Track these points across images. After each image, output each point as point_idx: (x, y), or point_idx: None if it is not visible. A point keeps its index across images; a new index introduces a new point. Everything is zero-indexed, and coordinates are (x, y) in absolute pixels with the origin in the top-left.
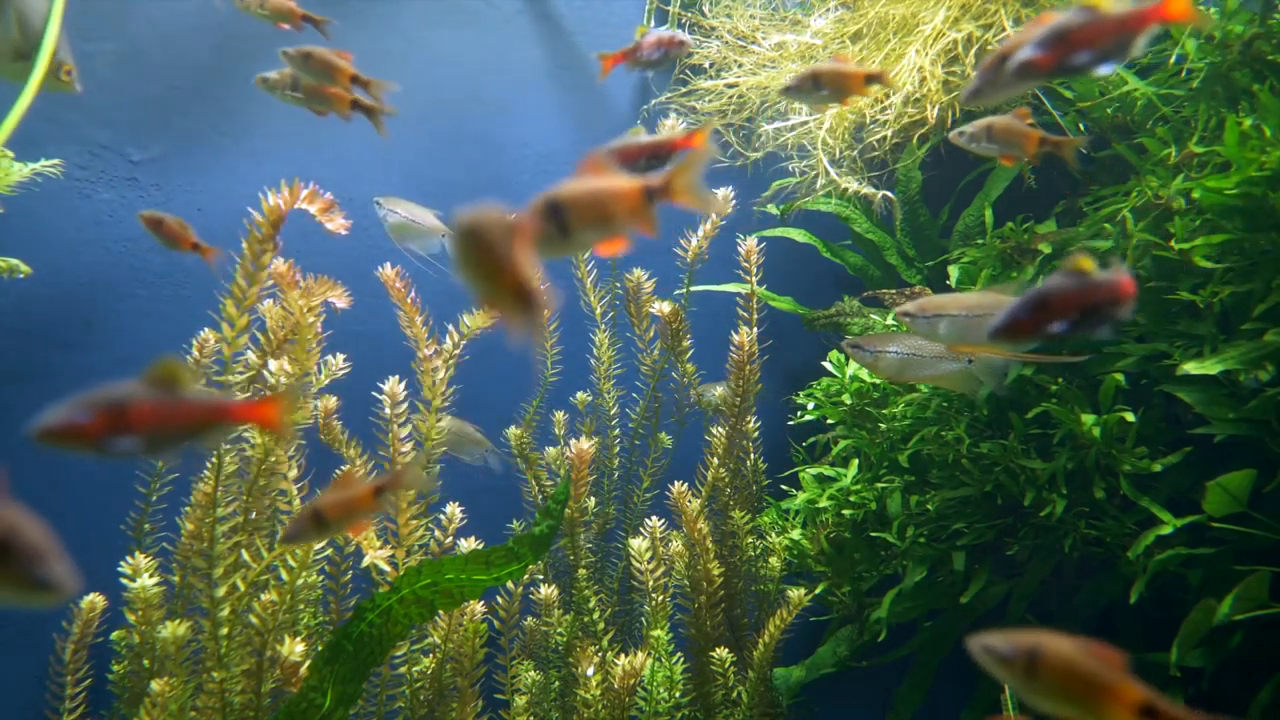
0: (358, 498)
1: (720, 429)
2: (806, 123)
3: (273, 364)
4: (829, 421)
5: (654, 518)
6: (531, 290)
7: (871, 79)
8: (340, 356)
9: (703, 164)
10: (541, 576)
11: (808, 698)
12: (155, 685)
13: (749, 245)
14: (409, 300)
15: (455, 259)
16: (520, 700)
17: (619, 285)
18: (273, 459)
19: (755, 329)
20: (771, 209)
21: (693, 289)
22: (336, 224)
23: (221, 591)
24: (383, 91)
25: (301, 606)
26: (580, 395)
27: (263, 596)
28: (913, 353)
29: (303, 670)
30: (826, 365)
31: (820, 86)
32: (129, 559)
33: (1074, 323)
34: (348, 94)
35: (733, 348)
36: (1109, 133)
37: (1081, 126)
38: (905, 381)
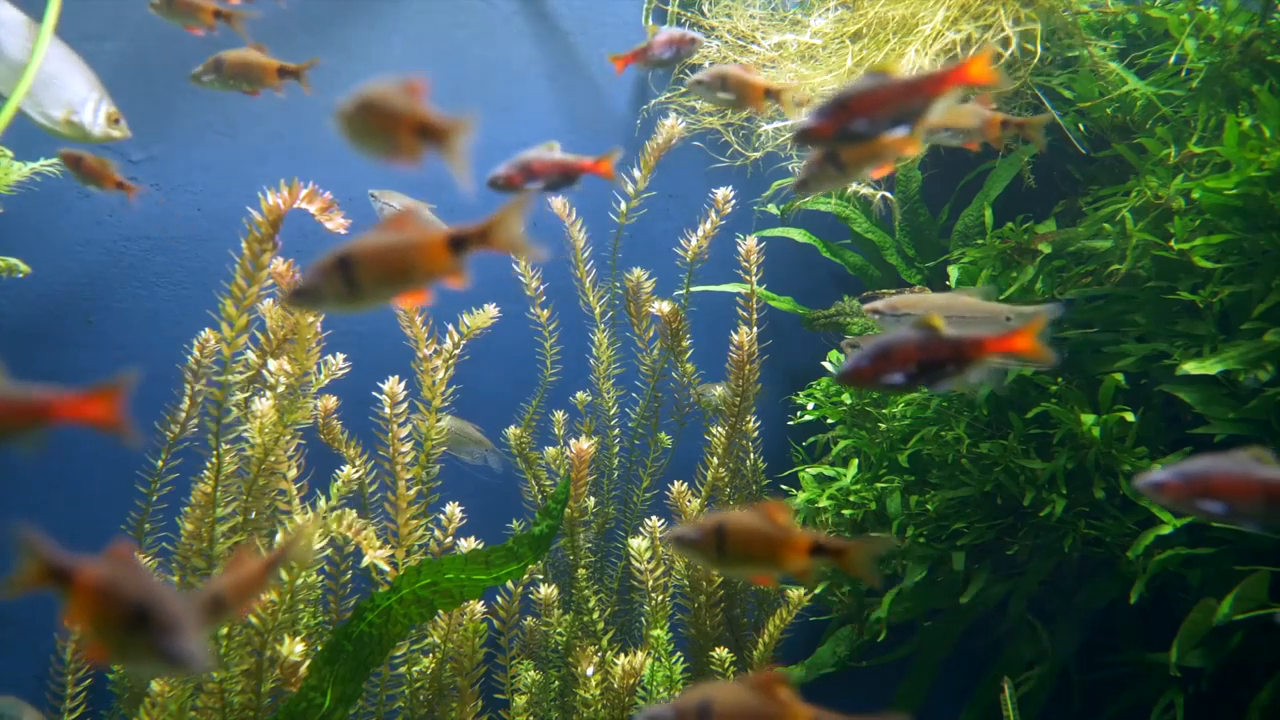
0: (251, 577)
1: (720, 429)
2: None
3: (272, 364)
4: (829, 421)
5: (654, 517)
6: (434, 119)
7: (771, 93)
8: (340, 356)
9: (523, 213)
10: (541, 576)
11: (807, 697)
12: (155, 685)
13: (749, 245)
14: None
15: (352, 136)
16: (520, 700)
17: (619, 285)
18: (272, 459)
19: (755, 329)
20: (771, 209)
21: (692, 289)
22: (336, 223)
23: None
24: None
25: (301, 606)
26: (580, 395)
27: (262, 596)
28: None
29: (302, 670)
30: (826, 365)
31: (726, 89)
32: None
33: (912, 376)
34: (271, 63)
35: (732, 347)
36: (1109, 133)
37: (1081, 126)
38: None
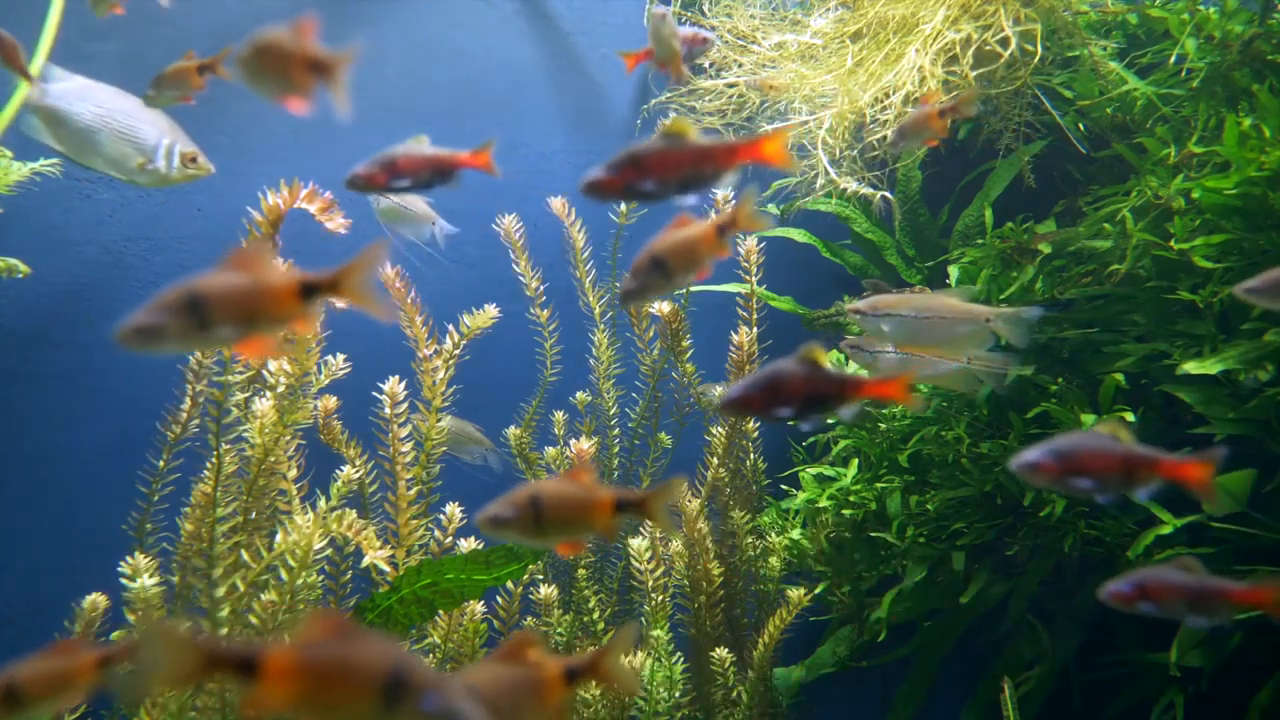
0: (72, 671)
1: (720, 429)
2: (806, 122)
3: (272, 364)
4: (829, 421)
5: None
6: (320, 54)
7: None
8: (340, 356)
9: (376, 264)
10: (541, 576)
11: (807, 697)
12: None
13: (749, 245)
14: (409, 300)
15: (251, 79)
16: None
17: (618, 285)
18: (272, 459)
19: (755, 329)
20: (771, 209)
21: (692, 289)
22: (335, 223)
23: (221, 591)
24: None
25: (301, 606)
26: (580, 395)
27: (262, 596)
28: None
29: None
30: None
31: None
32: (128, 559)
33: (800, 410)
34: (190, 65)
35: (732, 348)
36: (1109, 132)
37: (1081, 126)
38: None
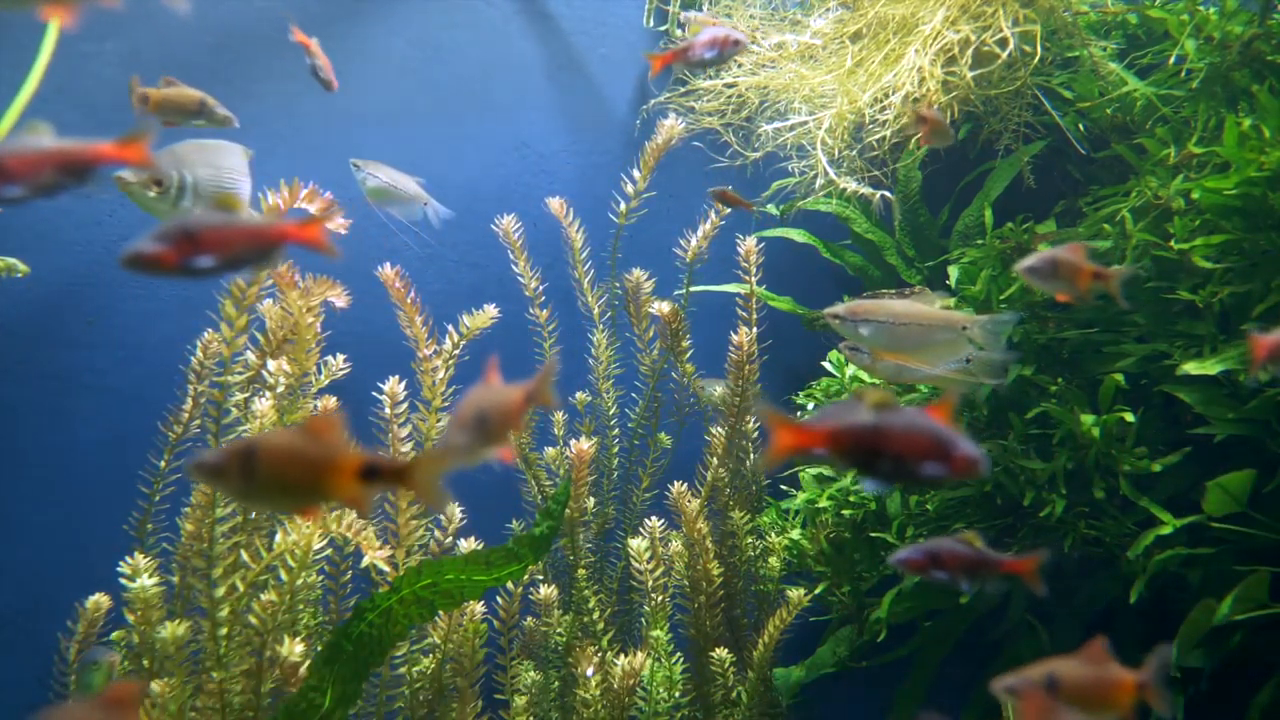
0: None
1: (719, 429)
2: (806, 123)
3: (271, 364)
4: None
5: (653, 518)
6: None
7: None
8: (340, 356)
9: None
10: (541, 576)
11: (807, 698)
12: (155, 686)
13: (748, 245)
14: (409, 300)
15: None
16: (520, 700)
17: (618, 285)
18: None
19: (755, 329)
20: (771, 209)
21: (692, 289)
22: (335, 223)
23: (221, 592)
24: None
25: (301, 607)
26: (579, 395)
27: (262, 596)
28: None
29: (302, 670)
30: (826, 365)
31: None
32: (128, 559)
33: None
34: (138, 93)
35: (732, 348)
36: (1109, 133)
37: (1081, 126)
38: (904, 382)
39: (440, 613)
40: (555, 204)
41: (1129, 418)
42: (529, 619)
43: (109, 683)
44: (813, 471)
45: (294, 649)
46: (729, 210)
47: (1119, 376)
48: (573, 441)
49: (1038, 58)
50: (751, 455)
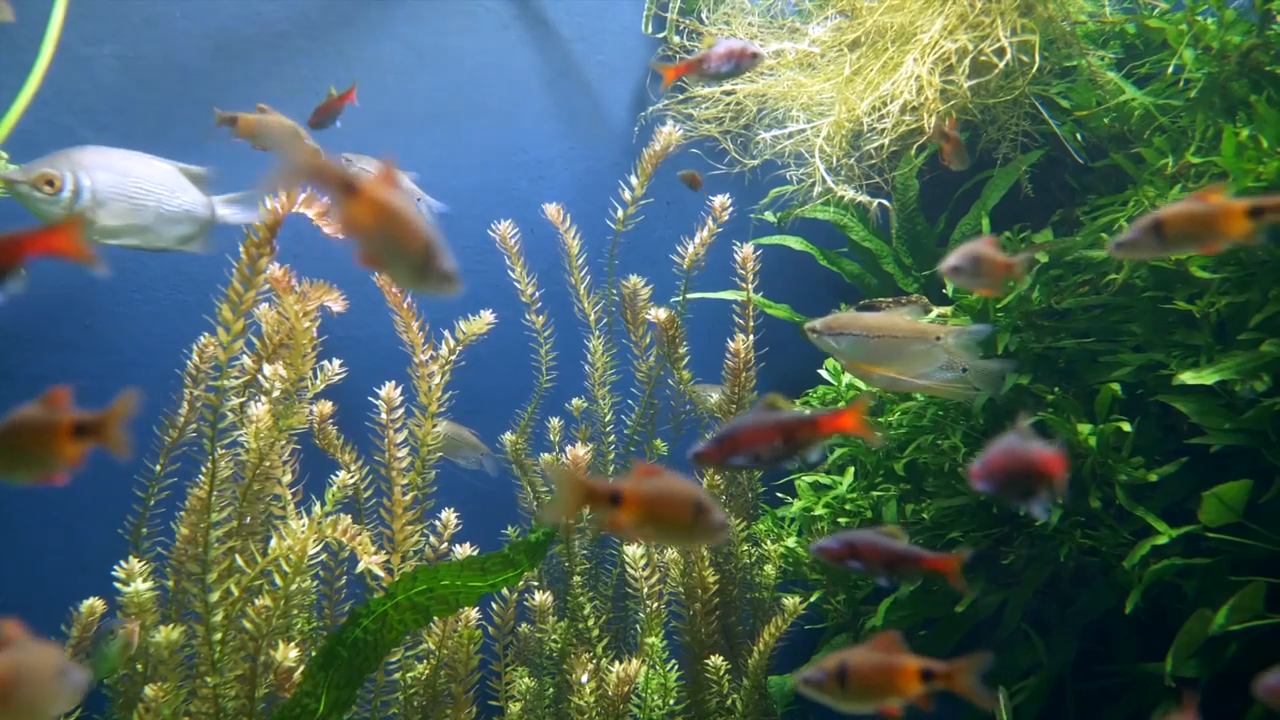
0: None
1: None
2: (804, 130)
3: (268, 369)
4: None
5: None
6: None
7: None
8: (336, 361)
9: None
10: (536, 583)
11: (802, 706)
12: (149, 690)
13: (745, 252)
14: (405, 305)
15: None
16: (515, 707)
17: (615, 292)
18: (267, 464)
19: (751, 336)
20: (769, 216)
21: (689, 296)
22: (334, 228)
23: (215, 596)
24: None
25: (296, 612)
26: (576, 401)
27: (257, 601)
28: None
29: (297, 676)
30: (823, 373)
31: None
32: (123, 563)
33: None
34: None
35: (728, 355)
36: (1106, 142)
37: (1079, 136)
38: (900, 391)
39: (435, 618)
40: (552, 210)
41: (1126, 427)
42: (524, 625)
43: (125, 652)
44: (808, 479)
45: (288, 654)
46: (697, 191)
47: (1116, 386)
48: (569, 448)
49: (1035, 67)
50: None
